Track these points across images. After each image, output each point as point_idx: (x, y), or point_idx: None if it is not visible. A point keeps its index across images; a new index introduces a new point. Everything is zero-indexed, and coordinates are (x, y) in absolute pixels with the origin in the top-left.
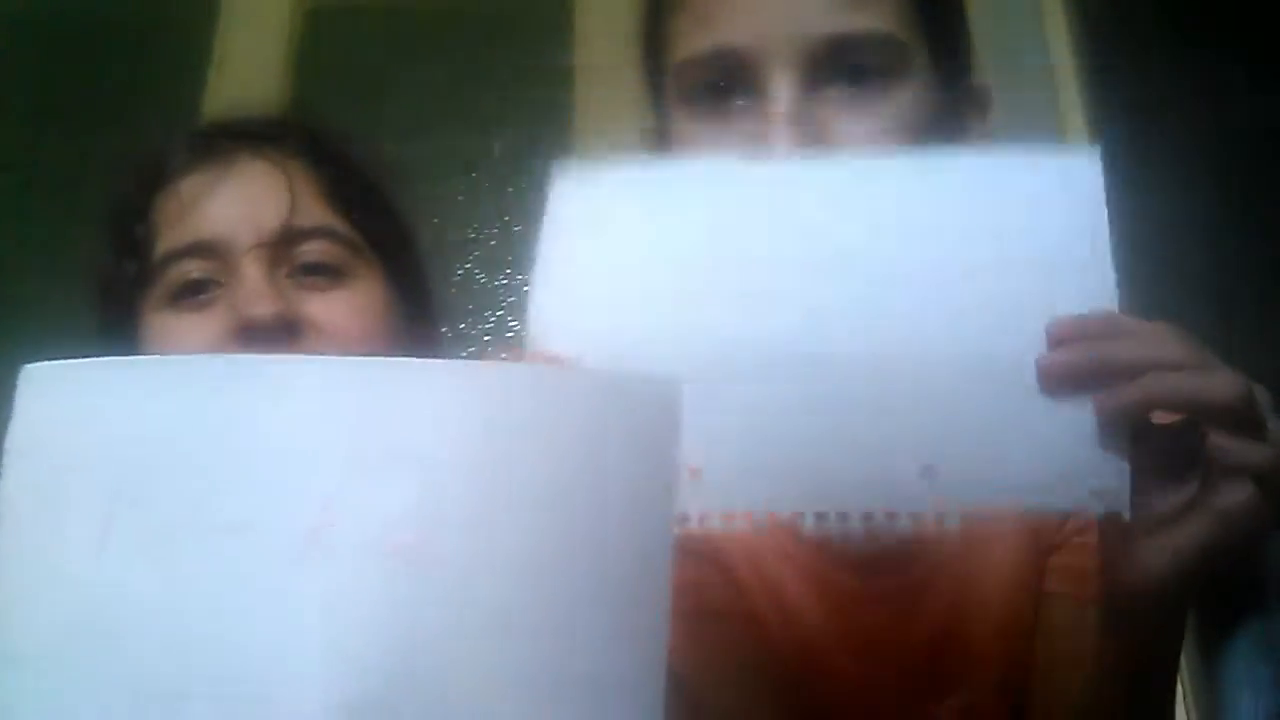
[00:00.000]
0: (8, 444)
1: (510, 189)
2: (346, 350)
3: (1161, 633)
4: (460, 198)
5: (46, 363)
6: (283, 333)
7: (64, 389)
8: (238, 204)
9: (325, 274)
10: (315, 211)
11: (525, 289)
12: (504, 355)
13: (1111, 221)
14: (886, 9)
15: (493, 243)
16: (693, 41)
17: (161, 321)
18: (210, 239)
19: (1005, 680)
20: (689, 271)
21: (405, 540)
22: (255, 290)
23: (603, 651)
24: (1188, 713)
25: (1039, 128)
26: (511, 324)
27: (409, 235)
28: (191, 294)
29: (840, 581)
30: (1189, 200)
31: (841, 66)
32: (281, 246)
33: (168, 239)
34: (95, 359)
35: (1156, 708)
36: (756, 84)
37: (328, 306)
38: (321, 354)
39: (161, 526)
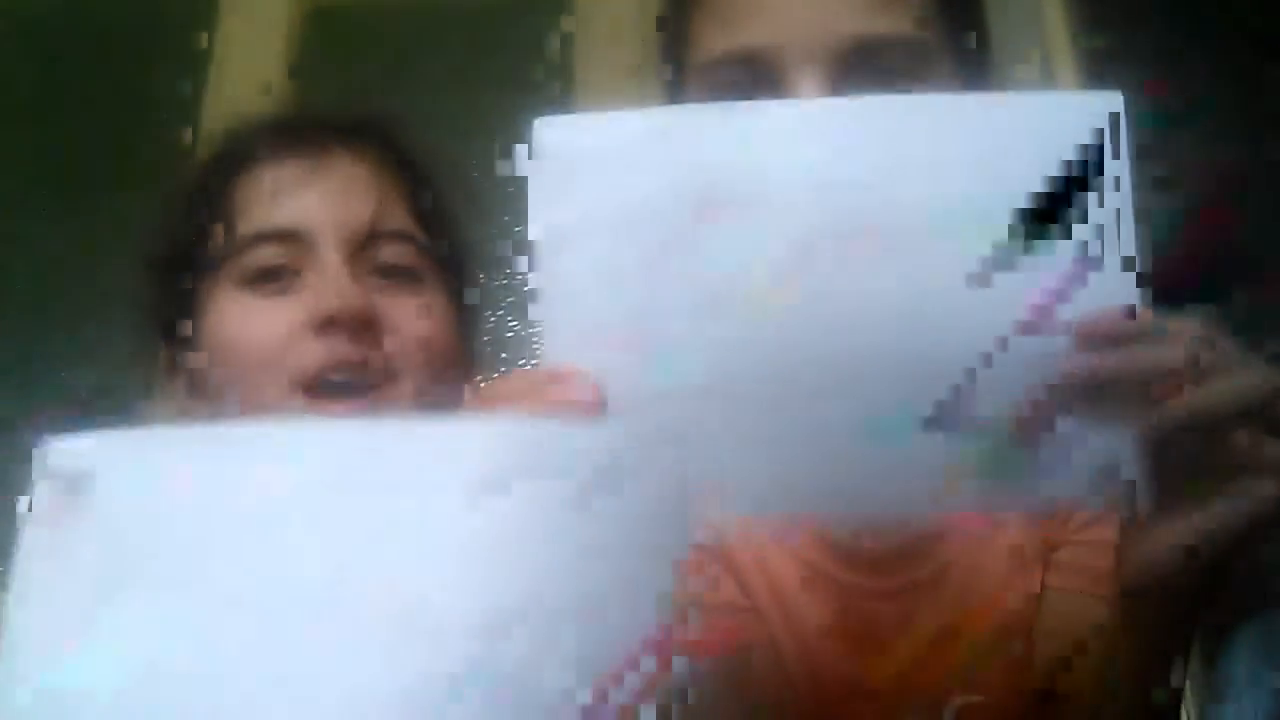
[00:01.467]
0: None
1: (510, 188)
2: (420, 353)
3: (1174, 629)
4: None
5: (63, 442)
6: (363, 329)
7: (82, 463)
8: (327, 196)
9: (402, 277)
10: (398, 215)
11: (527, 289)
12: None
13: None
14: (911, 11)
15: (492, 243)
16: (715, 42)
17: (237, 300)
18: (296, 227)
19: (1011, 677)
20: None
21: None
22: (338, 283)
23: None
24: (1188, 713)
25: None
26: (512, 324)
27: (468, 251)
28: (270, 279)
29: (846, 579)
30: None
31: (866, 68)
32: (365, 243)
33: (251, 221)
34: (105, 433)
35: (1168, 702)
36: (780, 86)
37: (403, 308)
38: (398, 354)
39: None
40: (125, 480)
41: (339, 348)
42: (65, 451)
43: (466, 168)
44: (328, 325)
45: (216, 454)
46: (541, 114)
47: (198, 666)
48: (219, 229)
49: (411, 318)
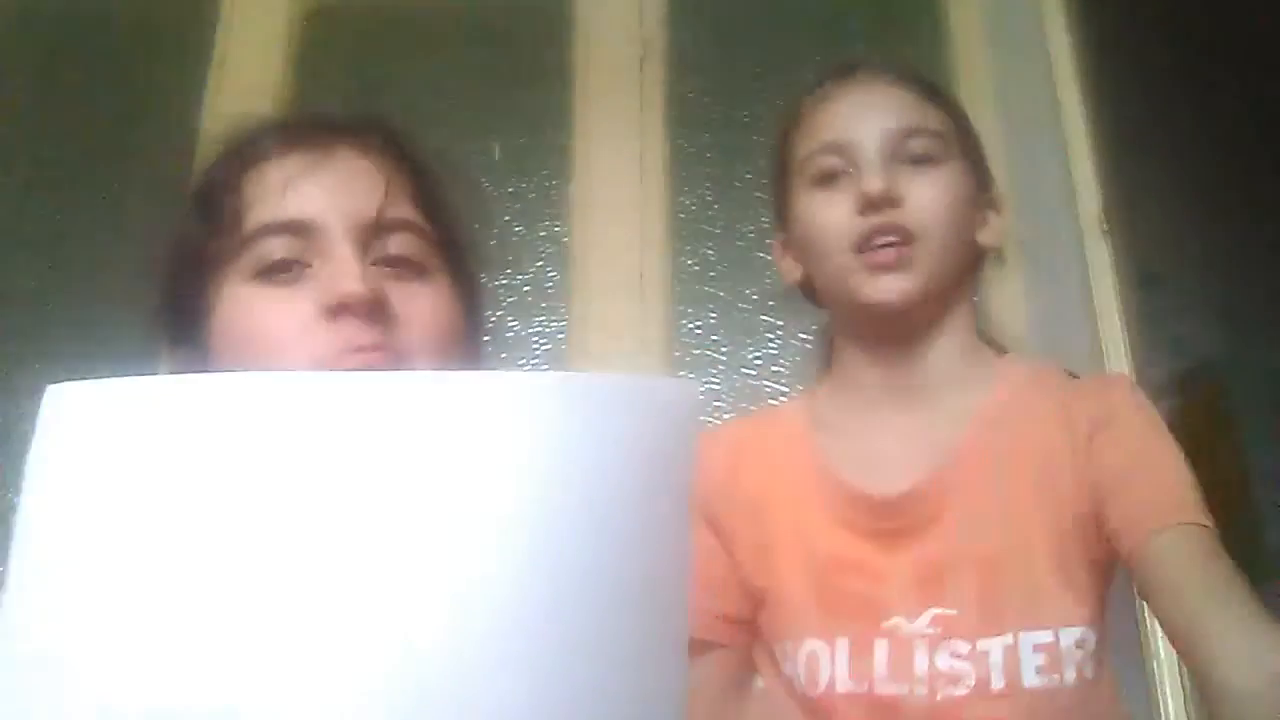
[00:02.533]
0: (30, 464)
1: (510, 189)
2: (431, 342)
3: None
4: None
5: (72, 384)
6: (374, 312)
7: (90, 409)
8: (334, 188)
9: (409, 267)
10: (403, 206)
11: (525, 289)
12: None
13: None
14: (937, 119)
15: (491, 243)
16: (808, 144)
17: (248, 294)
18: (305, 219)
19: None
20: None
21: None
22: (348, 270)
23: (623, 651)
24: (1188, 713)
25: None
26: (512, 324)
27: (474, 243)
28: (280, 270)
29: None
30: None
31: (908, 153)
32: (372, 234)
33: (260, 214)
34: (121, 380)
35: None
36: (854, 165)
37: (410, 298)
38: (409, 342)
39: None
40: (131, 427)
41: (352, 333)
42: (71, 394)
43: (467, 165)
44: (340, 310)
45: (225, 406)
46: (544, 119)
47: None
48: (228, 224)
49: (421, 307)
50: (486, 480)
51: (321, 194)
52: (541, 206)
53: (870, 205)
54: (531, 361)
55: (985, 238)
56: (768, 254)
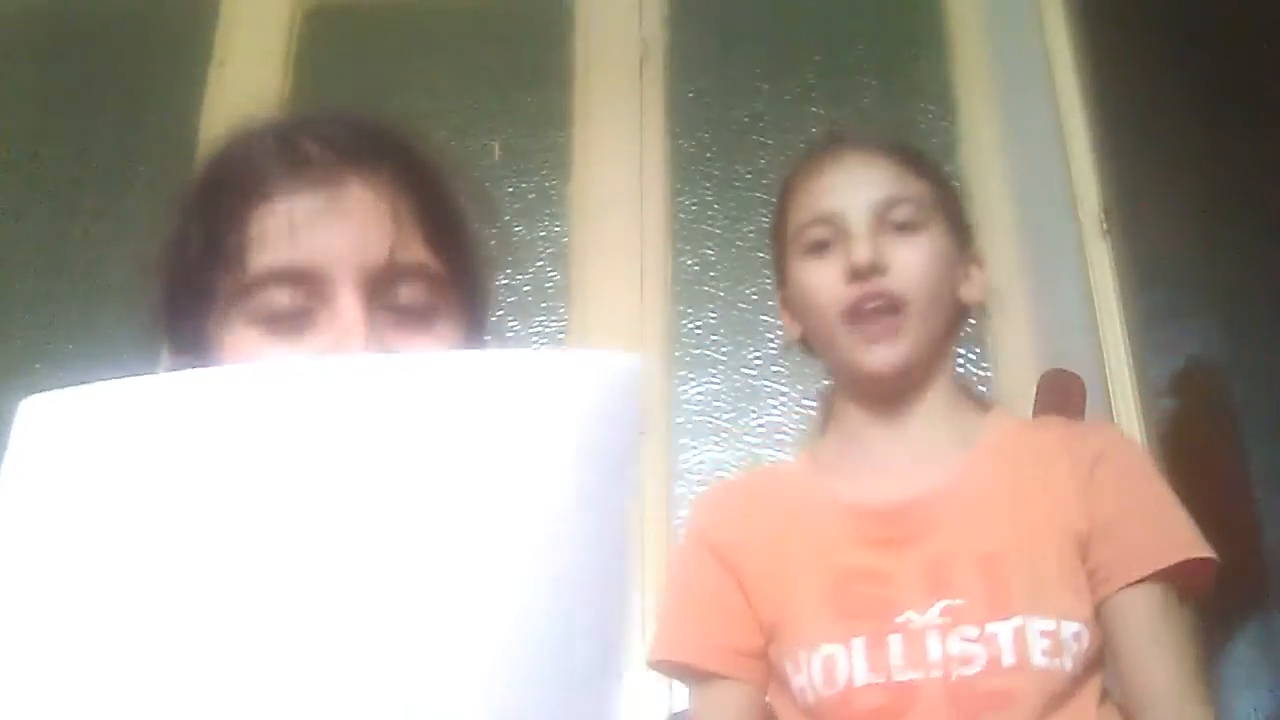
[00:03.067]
0: (3, 480)
1: (510, 189)
2: None
3: None
4: None
5: (46, 395)
6: None
7: (65, 421)
8: (344, 234)
9: (416, 316)
10: (415, 248)
11: (525, 289)
12: None
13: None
14: (918, 187)
15: (491, 243)
16: (801, 215)
17: (252, 339)
18: (313, 268)
19: None
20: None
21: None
22: (353, 327)
23: (567, 624)
24: None
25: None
26: (512, 324)
27: (486, 270)
28: (283, 319)
29: None
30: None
31: (892, 221)
32: (381, 282)
33: (266, 258)
34: (97, 386)
35: None
36: (843, 235)
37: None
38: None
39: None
40: (110, 434)
41: None
42: (45, 405)
43: (479, 175)
44: None
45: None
46: (544, 119)
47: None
48: (230, 259)
49: None
50: (420, 468)
51: (330, 240)
52: (541, 206)
53: (858, 275)
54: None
55: (968, 294)
56: (768, 254)
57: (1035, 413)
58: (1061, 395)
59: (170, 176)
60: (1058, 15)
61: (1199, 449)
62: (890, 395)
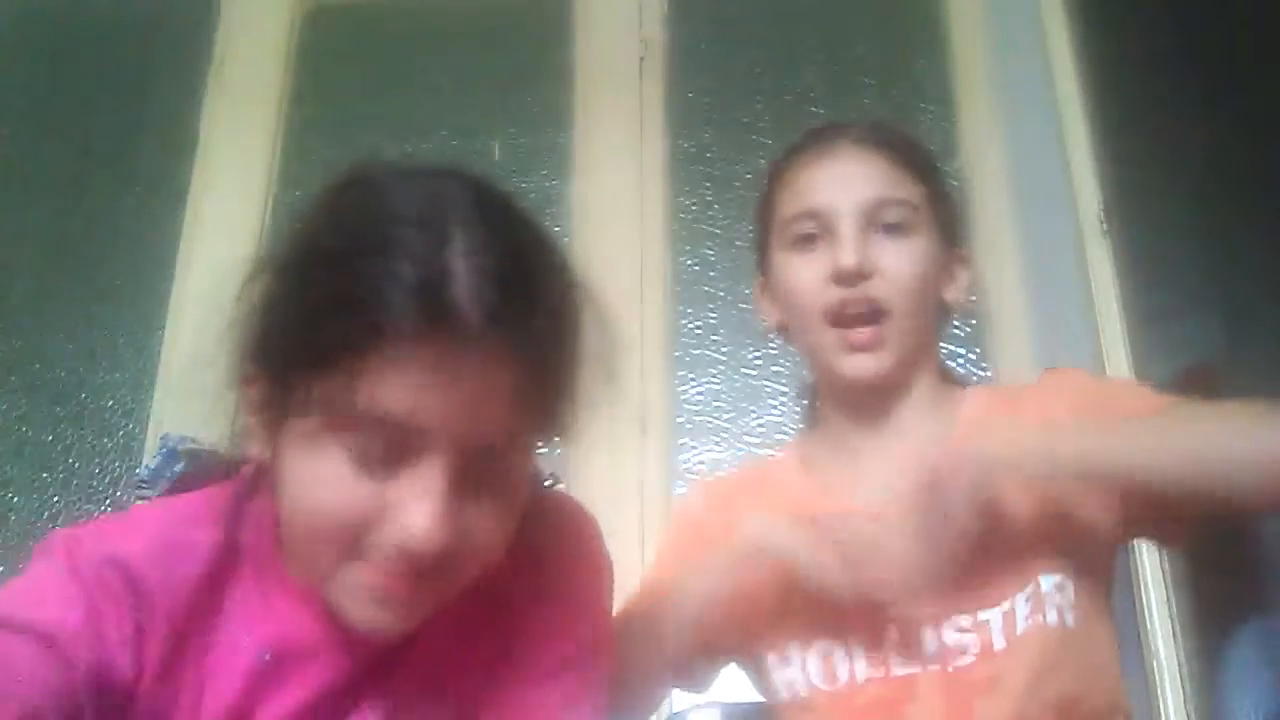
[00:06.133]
0: None
1: (510, 189)
2: (476, 556)
3: None
4: None
5: None
6: (435, 564)
7: None
8: (455, 404)
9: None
10: (515, 424)
11: None
12: None
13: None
14: (910, 189)
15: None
16: (789, 207)
17: (333, 458)
18: (412, 424)
19: None
20: None
21: None
22: (435, 513)
23: None
24: (1188, 713)
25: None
26: None
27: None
28: (371, 454)
29: None
30: (1189, 201)
31: (882, 221)
32: (474, 457)
33: (366, 405)
34: None
35: None
36: (830, 233)
37: (483, 527)
38: (459, 556)
39: None
40: None
41: (408, 565)
42: None
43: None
44: (401, 549)
45: None
46: (544, 119)
47: None
48: (325, 394)
49: (485, 534)
50: None
51: (438, 412)
52: (541, 206)
53: (843, 279)
54: None
55: (951, 295)
56: None
57: None
58: None
59: (170, 176)
60: (1058, 15)
61: None
62: (873, 400)
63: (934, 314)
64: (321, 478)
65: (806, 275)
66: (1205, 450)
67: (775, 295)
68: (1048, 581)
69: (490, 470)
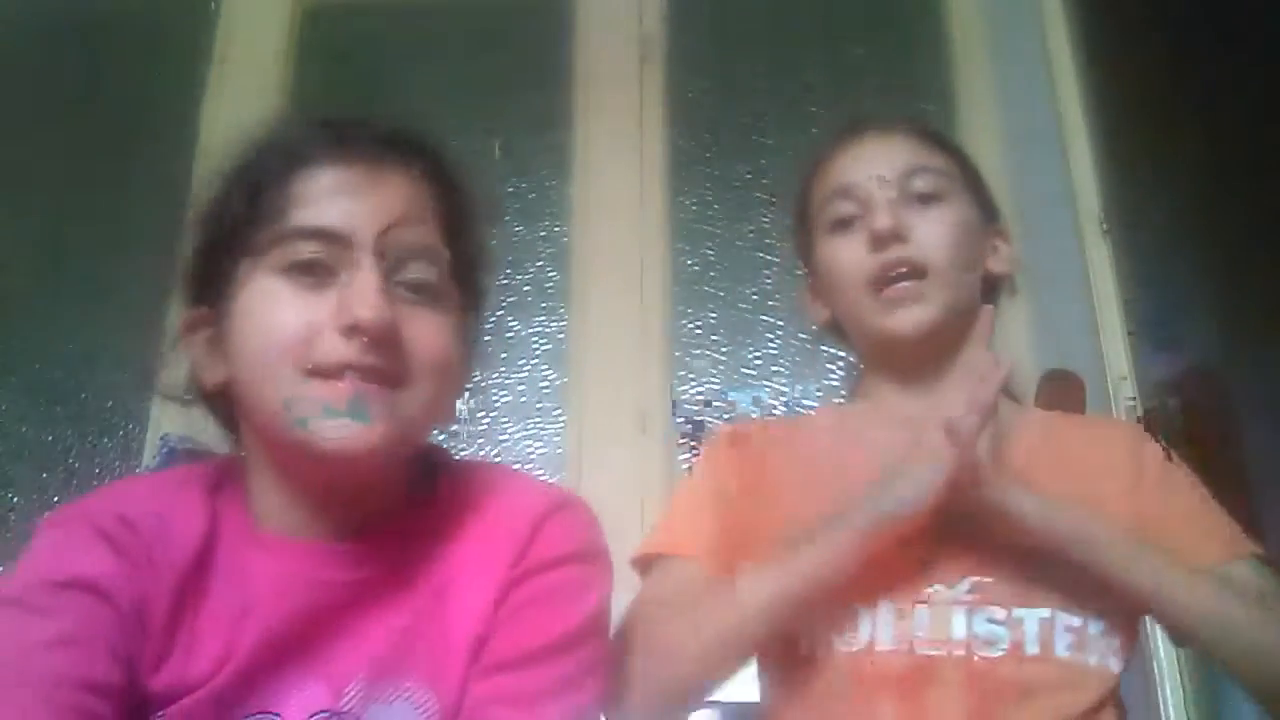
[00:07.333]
0: None
1: (510, 189)
2: (431, 366)
3: None
4: None
5: None
6: (384, 340)
7: None
8: (376, 209)
9: (427, 293)
10: (433, 234)
11: (525, 289)
12: None
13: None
14: (939, 158)
15: (492, 243)
16: (823, 190)
17: (273, 286)
18: (344, 231)
19: None
20: None
21: None
22: (369, 294)
23: None
24: (1188, 713)
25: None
26: (512, 324)
27: (487, 269)
28: (306, 272)
29: None
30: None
31: (914, 191)
32: (399, 257)
33: (302, 216)
34: None
35: None
36: (865, 208)
37: (421, 324)
38: (410, 364)
39: None
40: None
41: (359, 353)
42: None
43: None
44: (352, 331)
45: None
46: (544, 119)
47: None
48: (267, 215)
49: (429, 334)
50: None
51: (363, 211)
52: (541, 206)
53: (880, 242)
54: (531, 361)
55: (995, 266)
56: (768, 254)
57: None
58: (1061, 395)
59: (170, 176)
60: (1058, 15)
61: (1198, 449)
62: (919, 363)
63: (976, 283)
64: (267, 304)
65: (846, 253)
66: (1236, 650)
67: (821, 288)
68: (1095, 626)
69: (419, 288)
